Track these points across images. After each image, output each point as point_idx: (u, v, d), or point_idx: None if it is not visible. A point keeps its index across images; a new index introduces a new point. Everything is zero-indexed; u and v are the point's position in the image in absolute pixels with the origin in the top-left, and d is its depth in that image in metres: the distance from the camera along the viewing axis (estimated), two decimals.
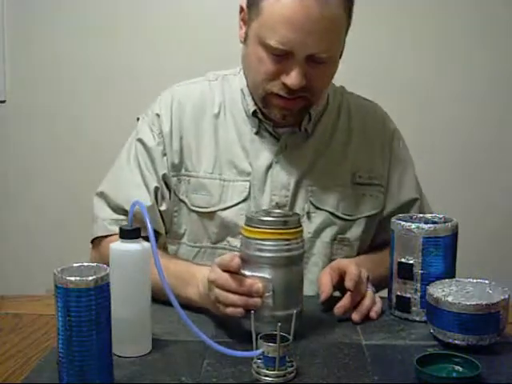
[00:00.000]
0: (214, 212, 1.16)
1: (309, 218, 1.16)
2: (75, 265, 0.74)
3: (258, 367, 0.78)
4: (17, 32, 2.22)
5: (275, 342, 0.76)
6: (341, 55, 1.11)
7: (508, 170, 2.19)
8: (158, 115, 1.18)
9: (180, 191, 1.18)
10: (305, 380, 0.77)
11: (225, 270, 0.88)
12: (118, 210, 1.16)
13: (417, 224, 0.96)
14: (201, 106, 1.19)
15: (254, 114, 1.16)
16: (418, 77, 2.14)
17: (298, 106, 1.09)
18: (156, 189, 1.16)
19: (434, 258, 0.95)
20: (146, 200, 1.14)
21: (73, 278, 0.69)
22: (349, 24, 1.07)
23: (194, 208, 1.17)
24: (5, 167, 2.28)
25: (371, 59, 2.09)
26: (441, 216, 1.02)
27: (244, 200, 1.15)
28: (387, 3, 2.12)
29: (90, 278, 0.69)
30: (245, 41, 1.10)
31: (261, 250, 0.86)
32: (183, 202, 1.18)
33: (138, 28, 2.18)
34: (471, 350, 0.83)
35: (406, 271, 0.97)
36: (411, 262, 0.96)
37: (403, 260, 0.97)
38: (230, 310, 0.87)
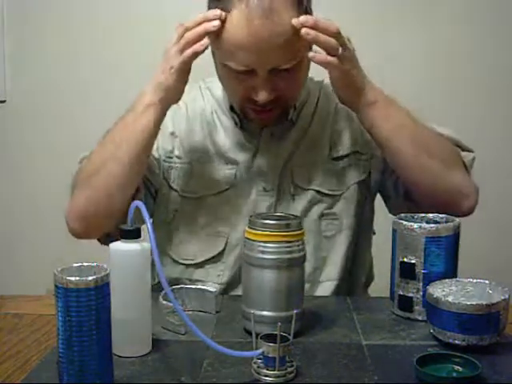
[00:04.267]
0: (203, 197, 1.20)
1: (294, 199, 1.19)
2: (75, 265, 0.74)
3: (258, 367, 0.77)
4: (17, 32, 2.22)
5: (275, 342, 0.76)
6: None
7: (509, 169, 2.19)
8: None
9: (170, 178, 1.22)
10: (305, 380, 0.77)
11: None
12: None
13: (419, 224, 0.96)
14: (193, 108, 1.25)
15: (232, 109, 1.20)
16: (416, 77, 2.14)
17: (275, 114, 1.14)
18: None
19: (436, 257, 0.95)
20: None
21: (73, 278, 0.69)
22: None
23: (184, 194, 1.21)
24: (5, 167, 2.28)
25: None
26: (443, 216, 1.02)
27: (230, 187, 1.19)
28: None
29: (90, 278, 0.69)
30: (213, 54, 1.13)
31: (263, 252, 0.88)
32: (174, 189, 1.22)
33: (138, 28, 2.18)
34: (471, 350, 0.83)
35: (408, 271, 0.97)
36: (413, 261, 0.96)
37: (405, 259, 0.97)
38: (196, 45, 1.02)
